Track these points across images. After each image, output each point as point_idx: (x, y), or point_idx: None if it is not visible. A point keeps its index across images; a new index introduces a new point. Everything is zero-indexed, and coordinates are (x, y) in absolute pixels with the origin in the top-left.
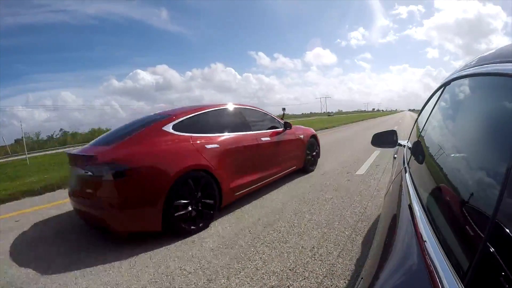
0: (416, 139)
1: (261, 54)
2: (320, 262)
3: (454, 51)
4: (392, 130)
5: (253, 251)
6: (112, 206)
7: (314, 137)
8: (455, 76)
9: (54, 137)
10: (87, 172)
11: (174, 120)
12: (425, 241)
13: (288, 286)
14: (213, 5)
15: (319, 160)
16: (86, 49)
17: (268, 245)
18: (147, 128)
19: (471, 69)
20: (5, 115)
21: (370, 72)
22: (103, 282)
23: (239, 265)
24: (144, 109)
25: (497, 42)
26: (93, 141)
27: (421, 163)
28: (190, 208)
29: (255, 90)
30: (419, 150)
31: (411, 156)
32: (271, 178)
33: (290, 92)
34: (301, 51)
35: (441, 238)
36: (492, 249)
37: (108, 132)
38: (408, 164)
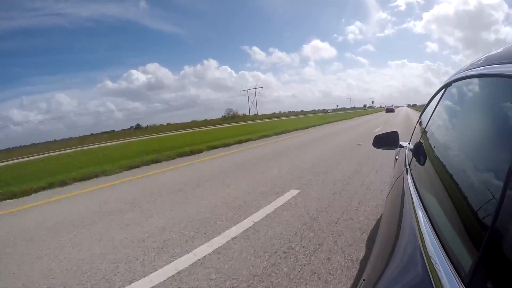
0: (417, 141)
1: (255, 49)
2: None
3: (453, 45)
4: (394, 132)
5: None
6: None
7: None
8: (458, 76)
9: None
10: (392, 108)
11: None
12: (426, 242)
13: None
14: (206, 2)
15: None
16: (80, 51)
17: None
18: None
19: (475, 69)
20: (1, 119)
21: (369, 67)
22: None
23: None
24: (140, 109)
25: (501, 32)
26: (387, 106)
27: (423, 164)
28: None
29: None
30: (420, 151)
31: (412, 158)
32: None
33: (287, 90)
34: (298, 45)
35: (443, 239)
36: (493, 252)
37: (388, 105)
38: (409, 165)
